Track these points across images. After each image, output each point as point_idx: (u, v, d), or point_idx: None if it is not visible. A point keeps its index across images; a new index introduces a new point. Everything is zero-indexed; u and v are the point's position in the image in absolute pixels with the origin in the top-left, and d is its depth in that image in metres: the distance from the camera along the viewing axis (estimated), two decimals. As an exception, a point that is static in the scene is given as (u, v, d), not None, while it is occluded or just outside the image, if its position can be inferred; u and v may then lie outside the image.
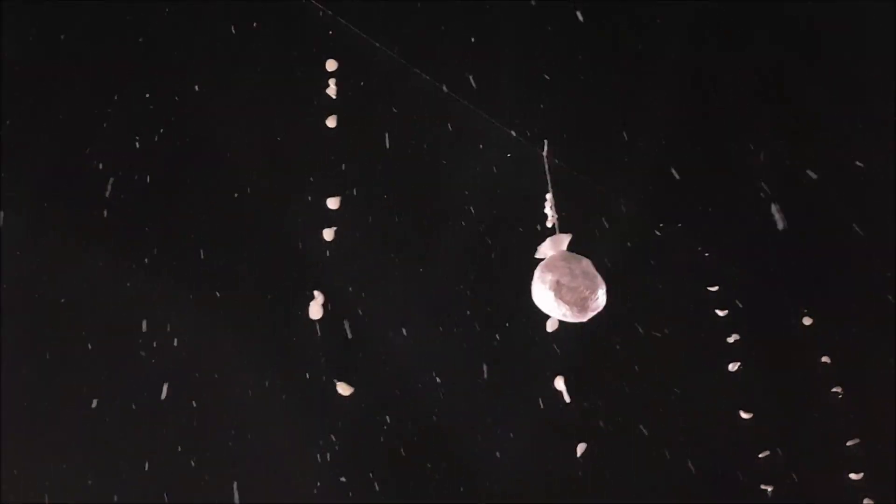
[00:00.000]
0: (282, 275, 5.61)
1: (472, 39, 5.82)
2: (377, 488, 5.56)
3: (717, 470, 6.00)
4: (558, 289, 4.47)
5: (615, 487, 5.78)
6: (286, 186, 5.62)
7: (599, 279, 4.54)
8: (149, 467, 5.25)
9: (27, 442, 5.11)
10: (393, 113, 5.77)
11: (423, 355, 5.67)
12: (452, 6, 5.79)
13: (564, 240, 4.64)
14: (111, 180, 5.41)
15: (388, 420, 5.61)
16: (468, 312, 5.81)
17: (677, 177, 6.11)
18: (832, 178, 6.26)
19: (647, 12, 6.19)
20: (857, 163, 6.34)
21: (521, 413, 5.73)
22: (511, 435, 5.73)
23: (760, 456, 5.90)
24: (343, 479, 5.54)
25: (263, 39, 5.61)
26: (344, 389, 5.31)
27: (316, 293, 5.17)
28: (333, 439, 5.55)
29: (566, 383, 4.82)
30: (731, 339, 5.97)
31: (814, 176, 6.23)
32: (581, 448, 5.48)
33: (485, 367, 5.74)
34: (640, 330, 6.03)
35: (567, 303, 4.48)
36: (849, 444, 6.02)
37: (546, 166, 4.82)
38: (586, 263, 4.58)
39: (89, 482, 5.17)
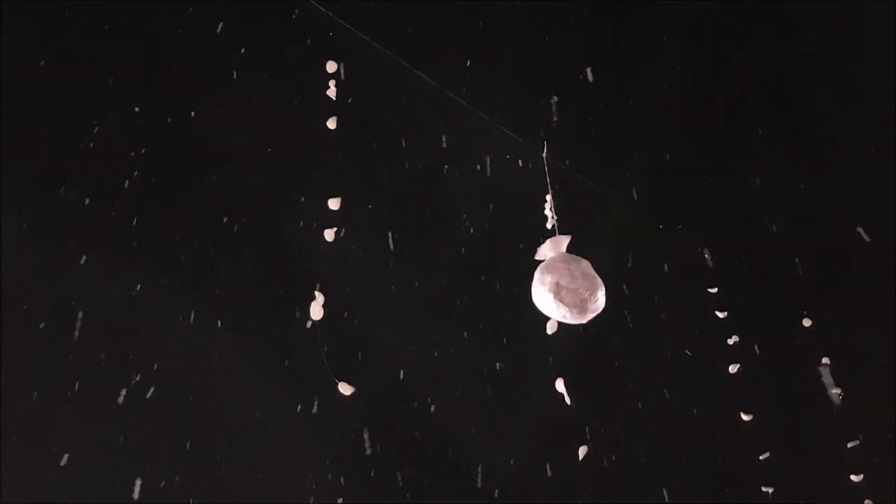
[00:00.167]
0: (282, 275, 5.61)
1: (473, 41, 5.82)
2: (378, 489, 5.56)
3: (717, 472, 5.99)
4: (558, 290, 4.48)
5: (615, 489, 5.77)
6: (287, 187, 5.61)
7: (599, 281, 4.54)
8: (149, 467, 5.24)
9: (27, 442, 5.10)
10: (393, 114, 5.77)
11: (424, 357, 5.66)
12: (452, 7, 5.79)
13: (564, 241, 4.65)
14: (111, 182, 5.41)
15: (389, 421, 5.60)
16: (468, 314, 5.80)
17: (677, 178, 6.11)
18: (832, 178, 6.26)
19: (648, 12, 6.20)
20: (857, 163, 6.35)
21: (522, 415, 5.72)
22: (512, 437, 5.72)
23: (761, 458, 5.89)
24: (343, 479, 5.53)
25: (263, 40, 5.62)
26: (345, 389, 5.31)
27: (317, 293, 5.17)
28: (334, 439, 5.54)
29: (566, 385, 4.82)
30: (731, 341, 5.96)
31: (814, 177, 6.25)
32: (583, 451, 5.48)
33: (484, 369, 5.73)
34: (640, 332, 6.02)
35: (567, 304, 4.49)
36: (849, 445, 6.01)
37: (546, 168, 4.83)
38: (586, 265, 4.59)
39: (89, 482, 5.16)
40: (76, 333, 5.27)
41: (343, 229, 5.29)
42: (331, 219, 5.36)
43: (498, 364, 5.73)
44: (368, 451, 5.52)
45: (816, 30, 6.40)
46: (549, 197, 4.76)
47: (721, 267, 6.07)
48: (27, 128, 5.38)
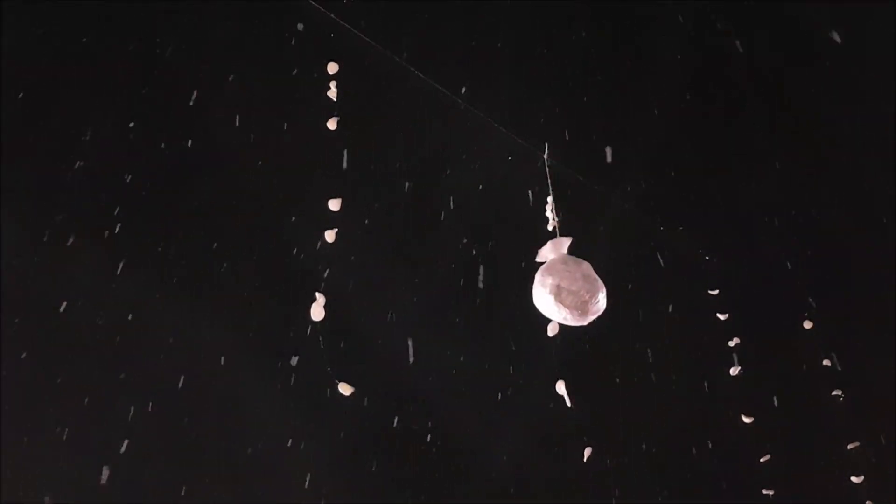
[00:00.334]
0: (283, 276, 5.61)
1: (473, 42, 5.82)
2: (378, 490, 5.57)
3: (718, 473, 6.01)
4: (558, 292, 4.47)
5: (616, 490, 5.78)
6: (287, 188, 5.61)
7: (599, 283, 4.53)
8: (149, 468, 5.24)
9: (27, 442, 5.10)
10: (394, 115, 5.77)
11: (424, 359, 5.67)
12: (453, 9, 5.79)
13: (565, 243, 4.64)
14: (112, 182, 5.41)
15: (389, 422, 5.61)
16: (469, 316, 5.81)
17: (678, 180, 6.11)
18: (832, 178, 6.27)
19: (648, 13, 6.20)
20: (857, 163, 6.35)
21: (523, 416, 5.74)
22: (513, 438, 5.73)
23: (762, 460, 5.90)
24: (342, 479, 5.54)
25: (263, 41, 5.61)
26: (345, 389, 5.31)
27: (318, 294, 5.17)
28: (334, 440, 5.55)
29: (567, 387, 4.81)
30: (732, 343, 5.96)
31: (814, 177, 6.26)
32: (588, 452, 5.48)
33: (486, 371, 5.74)
34: (641, 334, 6.03)
35: (567, 306, 4.47)
36: (850, 446, 6.02)
37: (547, 170, 4.82)
38: (586, 267, 4.57)
39: (89, 482, 5.16)
40: (76, 333, 5.26)
41: (344, 230, 5.29)
42: (331, 220, 5.35)
43: (499, 366, 5.74)
44: (368, 453, 5.53)
45: (816, 30, 6.40)
46: (549, 199, 4.75)
47: (722, 269, 6.08)
48: (27, 128, 5.36)
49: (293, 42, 5.51)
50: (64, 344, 5.25)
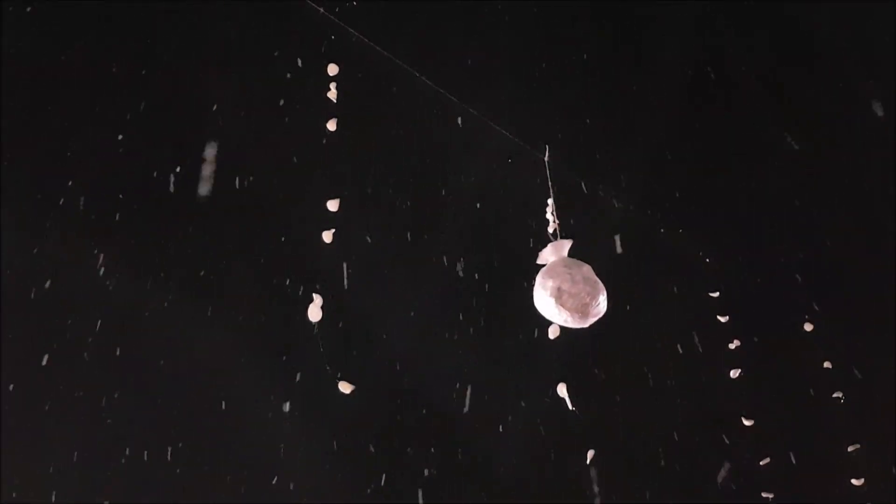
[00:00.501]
0: (282, 277, 5.61)
1: (473, 44, 5.82)
2: (378, 490, 5.58)
3: (718, 476, 6.02)
4: (559, 295, 4.47)
5: (616, 492, 5.79)
6: (287, 189, 5.61)
7: (600, 285, 4.53)
8: (149, 468, 5.24)
9: (27, 442, 5.10)
10: (394, 117, 5.77)
11: (425, 362, 5.67)
12: (453, 10, 5.79)
13: (565, 246, 4.64)
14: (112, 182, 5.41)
15: (389, 423, 5.62)
16: (469, 319, 5.81)
17: (678, 182, 6.11)
18: (832, 178, 6.27)
19: (648, 13, 6.20)
20: (857, 163, 6.35)
21: (524, 419, 5.74)
22: (514, 440, 5.74)
23: (762, 463, 5.91)
24: (342, 479, 5.55)
25: (264, 42, 5.61)
26: (345, 388, 5.31)
27: (315, 295, 5.17)
28: (333, 440, 5.55)
29: (568, 390, 4.81)
30: (732, 346, 5.97)
31: (814, 177, 6.26)
32: (590, 454, 5.48)
33: (486, 374, 5.74)
34: (641, 336, 6.03)
35: (568, 309, 4.47)
36: (850, 449, 6.03)
37: (548, 172, 4.82)
38: (587, 269, 4.57)
39: (89, 482, 5.16)
40: (76, 333, 5.26)
41: (344, 231, 5.29)
42: (330, 220, 5.35)
43: (500, 368, 5.75)
44: (368, 453, 5.53)
45: (816, 30, 6.40)
46: (550, 201, 4.75)
47: (722, 271, 6.08)
48: (27, 128, 5.36)
49: (293, 43, 5.52)
50: (64, 344, 5.24)
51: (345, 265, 5.53)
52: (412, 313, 5.73)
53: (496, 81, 5.87)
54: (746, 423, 5.90)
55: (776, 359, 6.14)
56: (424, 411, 5.67)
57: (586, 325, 4.53)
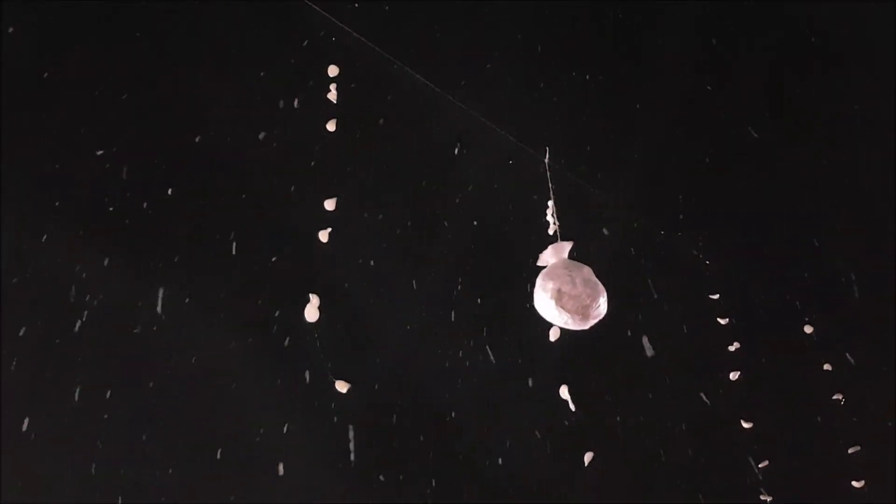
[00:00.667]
0: (280, 276, 5.61)
1: (474, 45, 5.81)
2: (377, 490, 5.58)
3: (717, 478, 6.02)
4: (559, 297, 4.47)
5: (616, 494, 5.79)
6: (287, 189, 5.62)
7: (601, 287, 4.53)
8: (148, 467, 5.25)
9: (26, 442, 5.10)
10: (394, 118, 5.77)
11: (424, 364, 5.68)
12: (453, 11, 5.79)
13: (566, 248, 4.64)
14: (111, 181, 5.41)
15: (388, 424, 5.62)
16: (470, 321, 5.82)
17: (678, 184, 6.11)
18: (833, 182, 6.27)
19: (649, 14, 6.19)
20: (857, 163, 6.35)
21: (525, 419, 5.75)
22: (515, 441, 5.75)
23: (760, 466, 5.91)
24: (342, 479, 5.55)
25: (264, 42, 5.61)
26: (341, 386, 5.31)
27: (311, 296, 5.17)
28: (332, 440, 5.56)
29: (570, 392, 4.82)
30: (732, 348, 5.97)
31: (815, 178, 6.26)
32: (588, 457, 5.48)
33: (487, 375, 5.74)
34: (641, 338, 6.03)
35: (568, 311, 4.47)
36: (850, 451, 6.03)
37: (548, 174, 4.82)
38: (587, 271, 4.58)
39: (88, 482, 5.17)
40: (75, 333, 5.27)
41: (343, 232, 5.29)
42: (327, 220, 5.36)
43: (501, 370, 5.75)
44: (367, 454, 5.54)
45: (816, 30, 6.40)
46: (550, 203, 4.75)
47: (722, 273, 6.08)
48: (27, 128, 5.36)
49: (293, 44, 5.52)
50: (63, 343, 5.25)
51: (344, 266, 5.54)
52: (412, 315, 5.73)
53: (497, 83, 5.87)
54: (746, 425, 5.90)
55: (776, 361, 6.14)
56: (424, 413, 5.68)
57: (587, 326, 4.53)
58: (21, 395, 5.12)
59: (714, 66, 6.34)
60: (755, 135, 6.23)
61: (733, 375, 5.93)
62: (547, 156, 4.91)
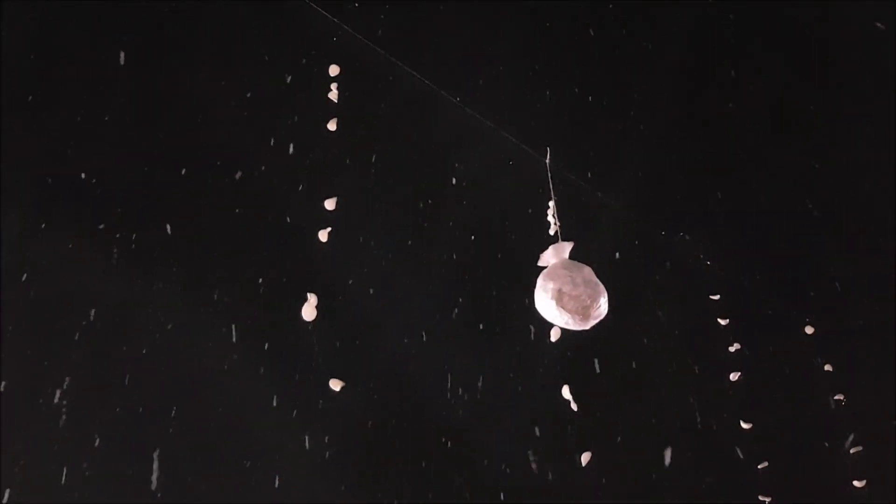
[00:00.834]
0: (279, 277, 5.60)
1: (474, 45, 5.81)
2: (376, 490, 5.57)
3: (716, 480, 6.01)
4: (560, 297, 4.47)
5: (615, 495, 5.79)
6: (287, 189, 5.61)
7: (601, 287, 4.54)
8: (147, 467, 5.23)
9: (26, 442, 5.09)
10: (394, 118, 5.77)
11: (424, 364, 5.67)
12: (454, 12, 5.78)
13: (566, 248, 4.64)
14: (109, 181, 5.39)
15: (388, 427, 5.61)
16: (470, 322, 5.81)
17: (679, 185, 6.11)
18: (834, 183, 6.27)
19: (649, 14, 6.19)
20: (857, 163, 6.35)
21: (526, 420, 5.74)
22: (515, 442, 5.74)
23: (759, 467, 5.91)
24: (341, 480, 5.54)
25: (265, 42, 5.61)
26: (335, 385, 5.31)
27: (309, 295, 5.16)
28: (331, 441, 5.55)
29: (571, 392, 4.83)
30: (732, 349, 5.96)
31: (815, 179, 6.26)
32: (586, 457, 5.49)
33: (487, 377, 5.74)
34: (642, 339, 6.03)
35: (569, 311, 4.48)
36: (852, 451, 6.04)
37: (549, 174, 4.83)
38: (588, 272, 4.58)
39: (87, 482, 5.15)
40: (75, 333, 5.25)
41: (343, 233, 5.29)
42: (326, 220, 5.35)
43: (501, 371, 5.75)
44: (366, 455, 5.53)
45: (816, 31, 6.40)
46: (551, 203, 4.75)
47: (723, 274, 6.08)
48: (27, 127, 5.35)
49: (294, 44, 5.51)
50: (63, 343, 5.23)
51: (343, 266, 5.53)
52: (411, 315, 5.72)
53: (497, 83, 5.87)
54: (745, 426, 5.90)
55: (776, 362, 6.14)
56: (423, 413, 5.67)
57: (587, 327, 4.54)
58: (21, 394, 5.09)
59: (714, 66, 6.34)
60: (755, 135, 6.23)
61: (733, 376, 5.93)
62: (548, 156, 4.91)
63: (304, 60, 5.53)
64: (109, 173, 5.42)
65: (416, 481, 5.60)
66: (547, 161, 4.89)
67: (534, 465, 5.69)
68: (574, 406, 4.76)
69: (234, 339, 5.48)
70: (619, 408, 5.93)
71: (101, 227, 5.37)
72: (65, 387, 5.18)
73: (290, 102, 5.62)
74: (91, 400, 5.20)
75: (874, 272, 6.25)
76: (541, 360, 5.54)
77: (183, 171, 5.54)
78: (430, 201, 5.86)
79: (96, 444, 5.17)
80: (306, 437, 5.48)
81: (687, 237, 6.11)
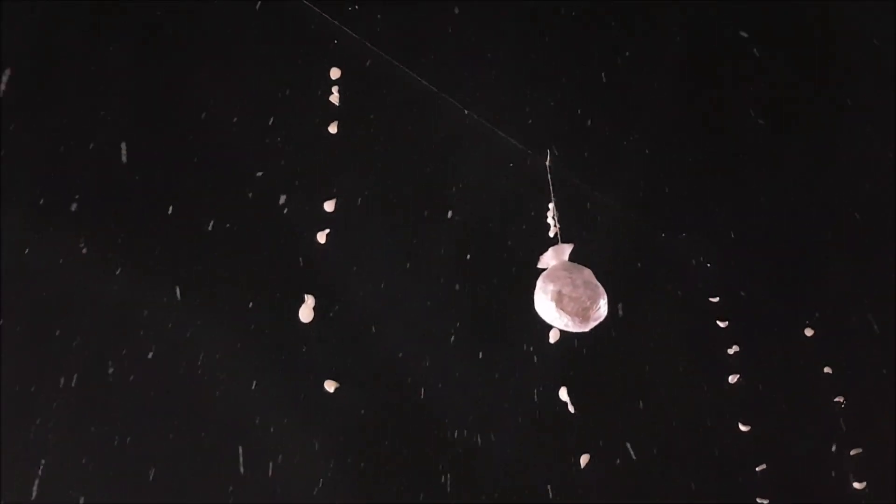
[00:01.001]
0: (279, 277, 5.61)
1: (474, 47, 5.80)
2: (375, 491, 5.58)
3: (715, 482, 6.02)
4: (560, 299, 4.48)
5: (614, 496, 5.79)
6: (286, 189, 5.61)
7: (601, 289, 4.55)
8: (146, 467, 5.23)
9: (26, 442, 5.09)
10: (394, 120, 5.76)
11: (423, 366, 5.67)
12: (453, 13, 5.78)
13: (566, 250, 4.65)
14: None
15: (387, 427, 5.62)
16: (469, 323, 5.81)
17: (679, 186, 6.11)
18: (834, 184, 6.26)
19: (649, 14, 6.18)
20: (857, 163, 6.35)
21: (525, 421, 5.75)
22: (513, 444, 5.74)
23: (757, 469, 5.91)
24: (340, 480, 5.54)
25: (265, 43, 5.60)
26: (329, 386, 5.31)
27: (307, 296, 5.16)
28: (329, 441, 5.55)
29: (569, 394, 4.83)
30: (731, 351, 5.96)
31: (815, 179, 6.25)
32: (585, 459, 5.49)
33: (486, 378, 5.74)
34: (641, 340, 6.03)
35: (569, 313, 4.49)
36: (852, 453, 6.04)
37: (549, 175, 4.83)
38: (588, 273, 4.59)
39: (86, 482, 5.15)
40: (75, 333, 5.25)
41: (342, 234, 5.29)
42: (326, 221, 5.35)
43: (500, 372, 5.75)
44: (365, 456, 5.53)
45: (816, 30, 6.39)
46: (551, 205, 4.76)
47: (722, 276, 6.08)
48: (27, 127, 5.34)
49: (294, 46, 5.51)
50: (62, 344, 5.23)
51: (342, 268, 5.53)
52: (410, 316, 5.73)
53: (497, 83, 5.87)
54: (744, 428, 5.90)
55: (776, 364, 6.15)
56: (421, 413, 5.67)
57: (587, 329, 4.54)
58: (21, 395, 5.10)
59: (714, 66, 6.33)
60: (756, 135, 6.22)
61: (732, 378, 5.93)
62: (548, 157, 4.92)
63: (303, 62, 5.53)
64: (109, 173, 5.42)
65: (415, 481, 5.61)
66: (547, 163, 4.89)
67: (533, 466, 5.70)
68: (572, 408, 4.76)
69: (233, 340, 5.49)
70: (618, 409, 5.93)
71: (101, 227, 5.37)
72: (64, 387, 5.19)
73: (289, 103, 5.62)
74: (91, 400, 5.20)
75: (874, 273, 6.25)
76: (540, 362, 5.54)
77: (183, 172, 5.54)
78: (429, 202, 5.86)
79: (96, 444, 5.18)
80: (306, 438, 5.49)
81: (686, 239, 6.11)
